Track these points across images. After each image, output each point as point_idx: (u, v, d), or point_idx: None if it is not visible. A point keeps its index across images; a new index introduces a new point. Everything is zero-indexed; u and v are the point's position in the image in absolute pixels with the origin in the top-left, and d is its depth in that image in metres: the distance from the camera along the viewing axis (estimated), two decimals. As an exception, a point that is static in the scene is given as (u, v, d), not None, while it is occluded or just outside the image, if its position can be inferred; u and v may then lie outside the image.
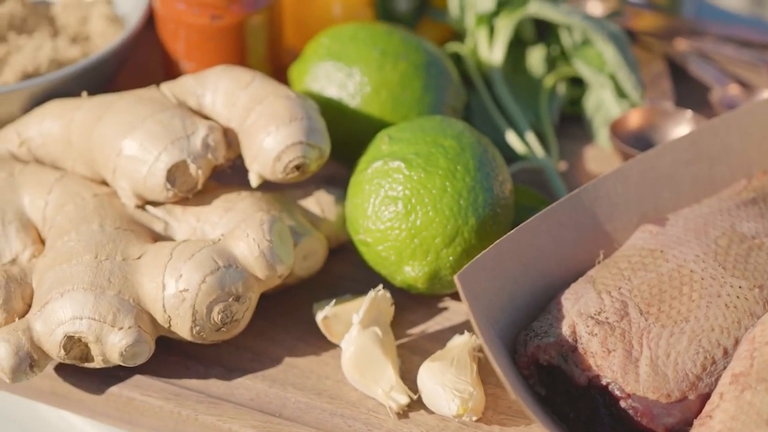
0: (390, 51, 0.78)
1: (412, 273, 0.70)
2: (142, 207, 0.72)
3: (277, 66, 0.85)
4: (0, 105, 0.78)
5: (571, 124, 0.89)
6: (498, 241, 0.66)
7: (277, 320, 0.73)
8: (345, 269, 0.77)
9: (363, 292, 0.74)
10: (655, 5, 1.02)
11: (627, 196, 0.73)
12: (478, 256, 0.65)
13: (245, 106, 0.72)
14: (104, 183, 0.75)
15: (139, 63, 0.91)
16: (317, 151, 0.71)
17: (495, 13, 0.87)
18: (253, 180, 0.72)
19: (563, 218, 0.70)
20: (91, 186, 0.73)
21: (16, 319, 0.68)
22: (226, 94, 0.73)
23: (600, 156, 0.86)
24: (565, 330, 0.66)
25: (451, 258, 0.69)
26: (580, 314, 0.66)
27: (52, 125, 0.75)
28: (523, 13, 0.85)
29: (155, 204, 0.73)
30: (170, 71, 0.84)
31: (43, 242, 0.73)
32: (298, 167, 0.71)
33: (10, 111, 0.78)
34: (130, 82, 0.89)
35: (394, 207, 0.69)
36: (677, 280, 0.67)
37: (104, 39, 0.88)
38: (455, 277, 0.63)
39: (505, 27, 0.86)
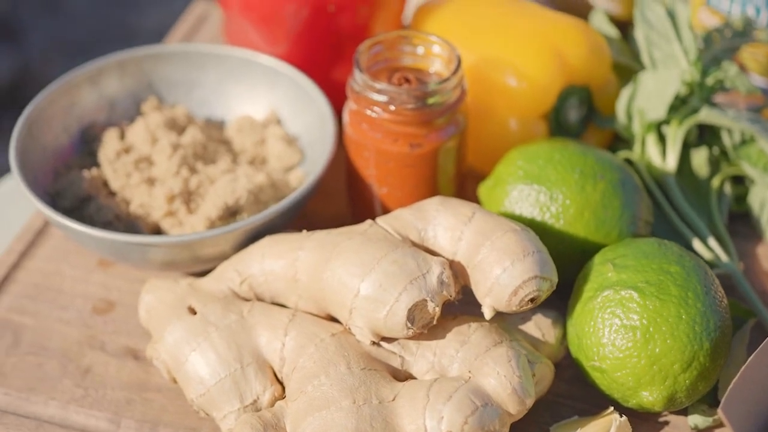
0: (588, 171, 0.81)
1: (649, 398, 0.72)
2: (377, 343, 0.74)
3: (460, 183, 0.88)
4: (216, 245, 0.79)
5: (736, 222, 0.92)
6: (743, 368, 0.69)
7: (510, 445, 0.76)
8: (560, 387, 0.79)
9: (585, 411, 0.77)
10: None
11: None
12: (732, 385, 0.68)
13: (473, 242, 0.74)
14: (331, 318, 0.77)
15: (322, 185, 0.92)
16: (549, 283, 0.73)
17: (665, 120, 0.90)
18: (487, 313, 0.74)
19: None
20: (325, 325, 0.75)
21: (277, 466, 0.70)
22: (449, 229, 0.76)
23: (773, 254, 0.90)
24: (814, 451, 0.69)
25: (687, 381, 0.72)
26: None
27: (274, 264, 0.77)
28: (695, 120, 0.88)
29: (389, 339, 0.75)
30: (359, 194, 0.87)
31: (279, 382, 0.75)
32: (532, 300, 0.73)
33: (223, 249, 0.80)
34: (314, 205, 0.91)
35: (633, 335, 0.72)
36: None
37: (281, 161, 0.90)
38: (720, 411, 0.66)
39: (677, 134, 0.89)
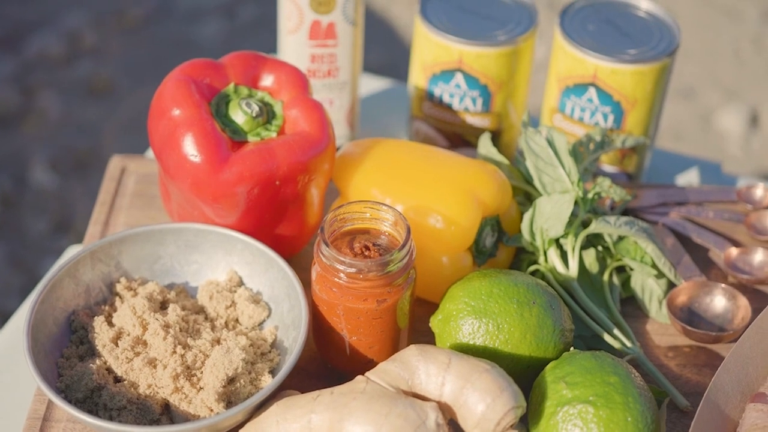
0: (522, 299, 0.99)
1: (611, 485, 0.92)
2: (392, 482, 0.90)
3: (412, 315, 1.04)
4: (234, 419, 0.92)
5: (624, 305, 1.13)
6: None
7: None
8: (529, 480, 0.98)
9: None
10: (626, 173, 1.27)
11: (731, 382, 0.97)
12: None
13: (455, 385, 0.91)
14: (346, 466, 0.92)
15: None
16: (521, 409, 0.91)
17: (562, 235, 1.09)
18: (477, 442, 0.91)
19: (704, 414, 0.94)
20: (347, 475, 0.90)
21: None
22: (432, 375, 0.92)
23: (659, 329, 1.11)
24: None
25: (639, 468, 0.92)
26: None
27: (289, 427, 0.91)
28: (588, 232, 1.08)
29: (400, 476, 0.90)
30: (330, 341, 1.01)
31: None
32: (512, 426, 0.91)
33: (238, 420, 0.93)
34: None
35: (594, 442, 0.91)
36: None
37: (252, 319, 1.03)
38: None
39: (575, 245, 1.08)
